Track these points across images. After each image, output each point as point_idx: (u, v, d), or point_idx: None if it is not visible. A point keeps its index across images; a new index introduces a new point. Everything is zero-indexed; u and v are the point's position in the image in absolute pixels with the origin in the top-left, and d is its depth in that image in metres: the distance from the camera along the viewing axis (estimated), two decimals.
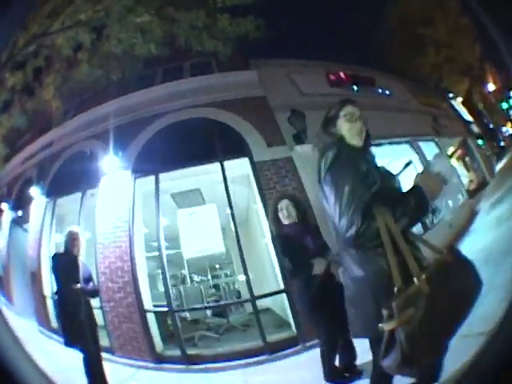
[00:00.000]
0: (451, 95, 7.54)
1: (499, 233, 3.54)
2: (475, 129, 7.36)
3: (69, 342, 2.74)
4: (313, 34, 5.53)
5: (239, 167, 4.02)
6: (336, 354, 2.37)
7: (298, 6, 5.40)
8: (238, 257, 3.89)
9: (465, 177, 5.70)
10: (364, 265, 1.14)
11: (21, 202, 4.90)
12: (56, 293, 2.86)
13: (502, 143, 7.36)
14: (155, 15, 4.32)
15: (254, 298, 3.61)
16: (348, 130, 1.28)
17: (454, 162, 5.45)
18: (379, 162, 1.33)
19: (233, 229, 3.93)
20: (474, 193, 5.35)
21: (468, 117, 7.64)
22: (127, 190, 4.03)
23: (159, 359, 3.71)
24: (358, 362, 2.41)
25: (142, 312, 3.75)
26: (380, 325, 0.99)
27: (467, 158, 6.18)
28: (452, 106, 7.49)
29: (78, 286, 2.73)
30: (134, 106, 4.40)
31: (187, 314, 4.23)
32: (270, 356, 3.34)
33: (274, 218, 2.44)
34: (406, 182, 1.31)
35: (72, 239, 2.86)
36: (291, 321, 3.57)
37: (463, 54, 7.16)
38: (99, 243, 4.02)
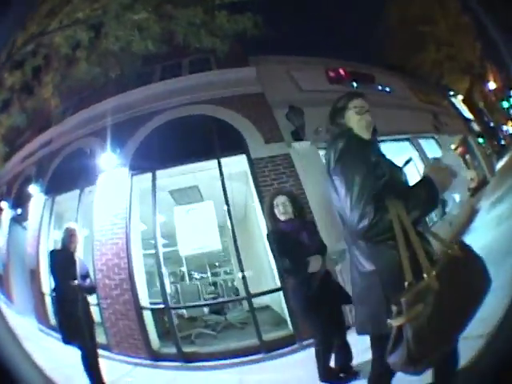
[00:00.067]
0: (452, 93, 7.44)
1: (499, 232, 3.46)
2: (476, 127, 7.27)
3: (67, 339, 2.71)
4: (312, 31, 5.44)
5: (237, 164, 3.94)
6: (331, 354, 2.29)
7: (297, 3, 5.32)
8: (239, 254, 3.80)
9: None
10: (374, 258, 1.11)
11: (20, 200, 4.86)
12: (53, 289, 2.84)
13: (503, 142, 7.26)
14: (153, 12, 4.25)
15: (249, 296, 3.53)
16: (357, 122, 1.26)
17: None
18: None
19: (233, 226, 3.84)
20: (475, 191, 5.24)
21: (468, 115, 7.54)
22: (124, 187, 3.96)
23: (155, 356, 3.65)
24: (354, 362, 2.34)
25: (139, 309, 3.69)
26: (388, 321, 0.95)
27: (468, 156, 6.07)
28: (452, 104, 7.39)
29: (76, 282, 2.70)
30: (132, 103, 4.33)
31: (184, 312, 4.16)
32: (266, 355, 3.26)
33: (269, 214, 2.35)
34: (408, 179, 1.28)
35: (69, 235, 2.83)
36: (288, 319, 3.48)
37: (464, 53, 7.05)
38: (96, 240, 3.97)
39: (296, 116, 3.89)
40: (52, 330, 4.02)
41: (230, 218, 3.69)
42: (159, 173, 3.93)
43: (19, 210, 4.90)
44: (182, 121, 4.08)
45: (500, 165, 6.30)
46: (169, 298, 3.98)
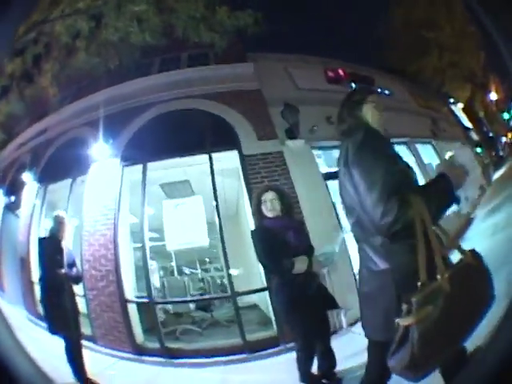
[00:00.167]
0: (452, 101, 7.29)
1: (495, 241, 3.35)
2: (474, 136, 7.13)
3: (53, 329, 2.65)
4: (312, 31, 5.30)
5: (229, 160, 3.80)
6: (313, 359, 2.14)
7: (299, 2, 5.18)
8: (225, 251, 3.66)
9: None
10: (390, 256, 1.06)
11: (14, 188, 4.76)
12: (40, 278, 2.76)
13: (501, 153, 7.13)
14: (153, 4, 4.13)
15: (234, 294, 3.38)
16: (375, 117, 1.23)
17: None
18: None
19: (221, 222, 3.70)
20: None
21: (468, 124, 7.41)
22: (115, 178, 3.84)
23: (139, 351, 3.53)
24: (338, 368, 2.19)
25: (123, 302, 3.57)
26: (397, 320, 0.91)
27: None
28: (452, 112, 7.24)
29: (62, 271, 2.63)
30: (127, 94, 4.21)
31: (170, 307, 4.03)
32: (249, 355, 3.12)
33: (256, 210, 2.19)
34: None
35: (58, 223, 2.76)
36: (273, 320, 3.33)
37: (467, 60, 6.89)
38: (85, 230, 3.85)
39: (291, 114, 3.74)
40: (40, 320, 3.91)
41: (218, 214, 3.55)
42: (150, 165, 3.80)
43: (13, 198, 4.79)
44: (176, 114, 3.94)
45: (497, 175, 6.16)
46: (155, 292, 3.85)
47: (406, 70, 6.06)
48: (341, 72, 4.87)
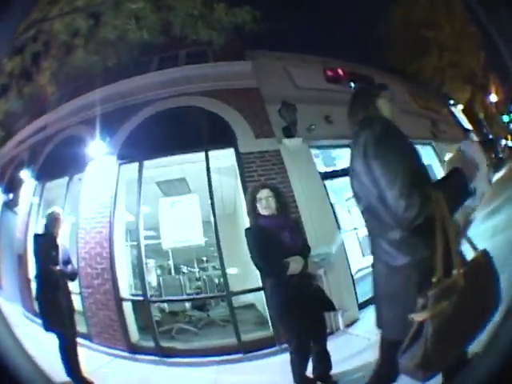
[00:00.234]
0: (452, 102, 7.20)
1: (494, 243, 3.24)
2: (474, 137, 7.03)
3: (48, 326, 2.59)
4: (312, 30, 5.22)
5: (226, 158, 3.71)
6: (307, 362, 2.04)
7: (299, 1, 5.09)
8: (220, 250, 3.57)
9: None
10: (409, 251, 1.03)
11: (12, 185, 4.71)
12: (36, 275, 2.73)
13: (501, 155, 7.05)
14: (150, 2, 4.07)
15: (229, 294, 3.29)
16: (390, 112, 1.23)
17: None
18: None
19: (218, 220, 3.62)
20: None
21: (468, 125, 7.32)
22: (111, 176, 3.76)
23: (134, 349, 3.46)
24: (334, 371, 2.11)
25: (118, 300, 3.49)
26: (411, 315, 0.90)
27: None
28: (452, 113, 7.15)
29: (57, 267, 2.58)
30: (125, 92, 4.13)
31: (166, 306, 3.95)
32: (244, 355, 3.04)
33: (251, 208, 2.09)
34: None
35: (53, 220, 2.71)
36: (269, 320, 3.25)
37: (467, 60, 6.78)
38: (81, 228, 3.78)
39: (288, 112, 3.66)
40: (36, 317, 3.86)
41: (214, 213, 3.46)
42: (147, 163, 3.72)
43: (11, 195, 4.75)
44: (173, 111, 3.85)
45: (497, 176, 6.06)
46: (152, 290, 3.78)
47: (405, 70, 5.97)
48: (340, 71, 4.79)
